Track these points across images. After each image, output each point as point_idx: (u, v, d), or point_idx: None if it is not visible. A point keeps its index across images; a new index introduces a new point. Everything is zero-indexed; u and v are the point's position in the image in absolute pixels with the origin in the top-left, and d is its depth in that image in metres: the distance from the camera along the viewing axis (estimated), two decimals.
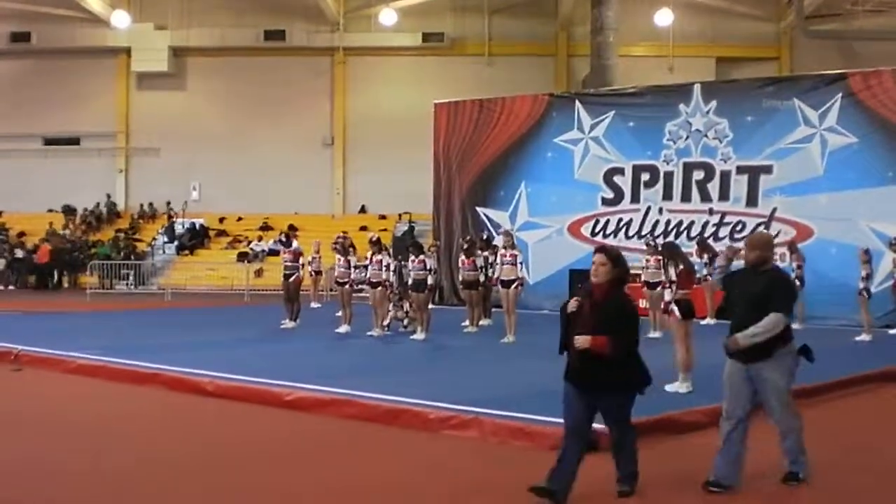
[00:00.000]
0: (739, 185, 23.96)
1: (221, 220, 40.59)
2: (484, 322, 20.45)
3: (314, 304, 26.13)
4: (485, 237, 22.82)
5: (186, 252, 38.35)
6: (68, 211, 40.94)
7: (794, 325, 21.28)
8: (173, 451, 8.57)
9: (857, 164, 22.42)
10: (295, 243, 20.79)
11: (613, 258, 6.77)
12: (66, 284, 36.94)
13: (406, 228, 36.83)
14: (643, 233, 24.54)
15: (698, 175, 24.57)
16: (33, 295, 33.14)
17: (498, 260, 18.40)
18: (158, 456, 8.33)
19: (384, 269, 18.22)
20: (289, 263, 20.14)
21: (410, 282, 18.05)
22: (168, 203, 41.04)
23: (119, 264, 35.58)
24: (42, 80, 41.39)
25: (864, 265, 18.46)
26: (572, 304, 6.79)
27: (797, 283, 20.47)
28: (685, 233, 24.29)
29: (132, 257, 36.88)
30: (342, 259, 19.27)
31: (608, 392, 6.69)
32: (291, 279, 20.04)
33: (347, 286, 19.16)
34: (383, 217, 39.67)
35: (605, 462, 7.10)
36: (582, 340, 6.53)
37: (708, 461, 7.21)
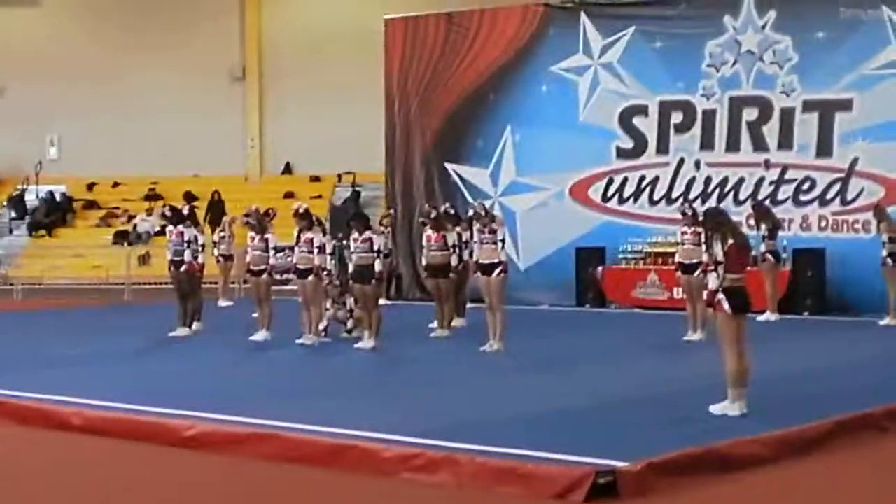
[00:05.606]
0: (807, 127, 23.99)
1: (91, 186, 40.44)
2: (458, 322, 20.44)
3: (222, 303, 25.99)
4: (450, 210, 21.99)
5: (43, 232, 38.09)
6: None
7: (884, 321, 21.27)
8: None
9: None
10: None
11: None
12: None
13: (349, 194, 36.72)
14: (675, 195, 24.60)
15: (750, 114, 24.58)
16: None
17: (475, 237, 18.26)
18: None
19: (317, 251, 18.13)
20: (178, 247, 19.84)
21: (353, 269, 17.99)
22: None
23: None
24: None
25: None
26: None
27: (889, 261, 20.47)
28: (732, 194, 24.34)
29: None
30: (257, 238, 19.13)
31: None
32: (183, 268, 19.85)
33: (265, 276, 19.08)
34: (316, 179, 39.60)
35: None
36: None
37: None
